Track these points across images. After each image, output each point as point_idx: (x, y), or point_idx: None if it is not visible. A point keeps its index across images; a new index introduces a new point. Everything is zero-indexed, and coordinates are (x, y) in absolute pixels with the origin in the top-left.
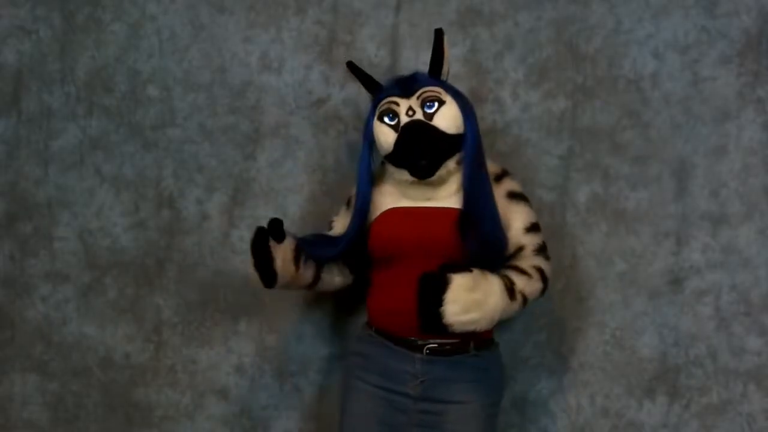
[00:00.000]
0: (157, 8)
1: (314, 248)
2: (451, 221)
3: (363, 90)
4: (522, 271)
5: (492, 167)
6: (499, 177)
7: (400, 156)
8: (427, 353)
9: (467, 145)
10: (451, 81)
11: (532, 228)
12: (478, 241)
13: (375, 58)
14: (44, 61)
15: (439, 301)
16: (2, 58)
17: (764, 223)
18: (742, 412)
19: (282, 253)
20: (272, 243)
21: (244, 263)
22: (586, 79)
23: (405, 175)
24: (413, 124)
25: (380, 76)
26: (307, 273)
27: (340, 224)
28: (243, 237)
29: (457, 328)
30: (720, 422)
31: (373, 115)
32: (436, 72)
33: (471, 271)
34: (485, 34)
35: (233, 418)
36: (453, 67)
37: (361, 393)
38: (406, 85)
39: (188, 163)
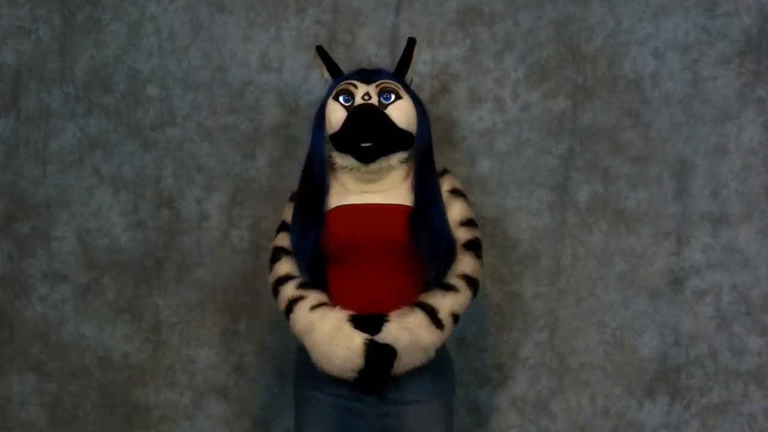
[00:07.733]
0: (156, 8)
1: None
2: (401, 218)
3: None
4: (447, 288)
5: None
6: (441, 175)
7: (346, 135)
8: None
9: (419, 145)
10: (451, 80)
11: (468, 222)
12: (428, 239)
13: (375, 58)
14: (44, 61)
15: (388, 371)
16: (2, 58)
17: (764, 222)
18: (742, 412)
19: None
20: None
21: (244, 263)
22: (586, 79)
23: (347, 161)
24: (366, 106)
25: None
26: None
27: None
28: (243, 237)
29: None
30: (721, 422)
31: (329, 95)
32: (400, 74)
33: (393, 320)
34: (485, 33)
35: (233, 418)
36: (453, 66)
37: (316, 403)
38: (368, 74)
39: (187, 162)
